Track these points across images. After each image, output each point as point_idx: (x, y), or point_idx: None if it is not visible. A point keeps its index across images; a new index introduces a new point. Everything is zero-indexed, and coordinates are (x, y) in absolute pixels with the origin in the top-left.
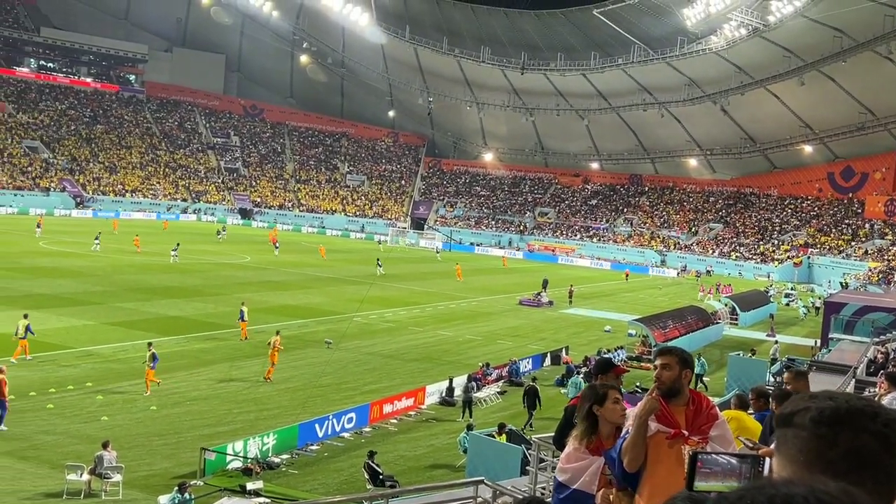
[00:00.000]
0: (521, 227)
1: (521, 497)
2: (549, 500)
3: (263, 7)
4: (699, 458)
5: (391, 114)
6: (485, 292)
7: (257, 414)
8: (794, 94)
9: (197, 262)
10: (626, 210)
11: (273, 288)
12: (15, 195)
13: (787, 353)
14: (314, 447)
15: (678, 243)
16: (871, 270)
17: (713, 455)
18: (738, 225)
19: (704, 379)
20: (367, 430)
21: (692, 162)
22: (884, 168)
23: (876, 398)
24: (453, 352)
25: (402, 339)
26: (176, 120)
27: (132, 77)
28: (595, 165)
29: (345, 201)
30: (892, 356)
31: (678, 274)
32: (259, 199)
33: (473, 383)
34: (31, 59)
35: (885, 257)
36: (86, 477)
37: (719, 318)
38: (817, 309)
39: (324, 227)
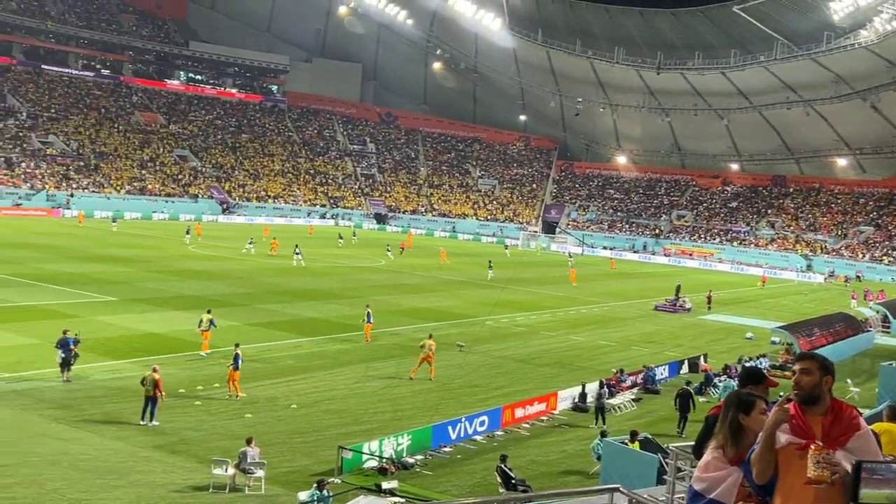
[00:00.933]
0: (657, 231)
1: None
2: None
3: (398, 16)
4: (863, 466)
5: (522, 118)
6: (618, 297)
7: (392, 414)
8: None
9: (333, 266)
10: (768, 212)
11: (406, 291)
12: (166, 202)
13: None
14: (447, 449)
15: (825, 247)
16: None
17: (882, 463)
18: (890, 228)
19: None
20: (499, 433)
21: (840, 162)
22: None
23: None
24: (586, 357)
25: (534, 344)
26: (315, 128)
27: (274, 87)
28: (735, 166)
29: (476, 205)
30: None
31: (825, 279)
32: (393, 204)
33: (606, 389)
34: (181, 72)
35: None
36: (231, 472)
37: (870, 326)
38: None
39: (455, 232)
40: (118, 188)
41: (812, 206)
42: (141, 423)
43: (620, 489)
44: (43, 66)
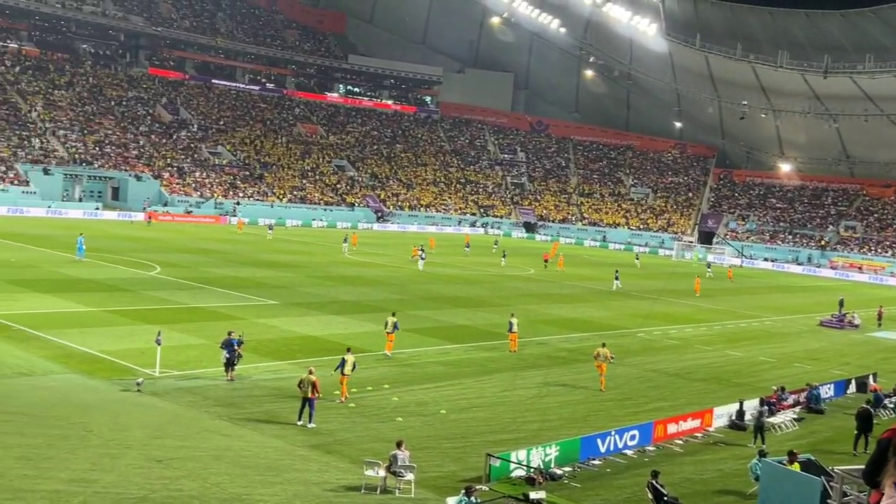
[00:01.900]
0: (822, 243)
1: None
2: None
3: (551, 24)
4: None
5: (678, 124)
6: (779, 311)
7: (540, 424)
8: None
9: (483, 274)
10: None
11: (555, 300)
12: (325, 210)
13: None
14: (596, 462)
15: None
16: None
17: None
18: None
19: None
20: (651, 448)
21: None
22: None
23: None
24: (744, 373)
25: (687, 358)
26: (466, 137)
27: (428, 98)
28: None
29: (628, 214)
30: None
31: None
32: (543, 213)
33: (766, 408)
34: (340, 85)
35: None
36: (382, 473)
37: None
38: None
39: (606, 241)
40: (281, 197)
41: None
42: (298, 423)
43: None
44: (213, 81)
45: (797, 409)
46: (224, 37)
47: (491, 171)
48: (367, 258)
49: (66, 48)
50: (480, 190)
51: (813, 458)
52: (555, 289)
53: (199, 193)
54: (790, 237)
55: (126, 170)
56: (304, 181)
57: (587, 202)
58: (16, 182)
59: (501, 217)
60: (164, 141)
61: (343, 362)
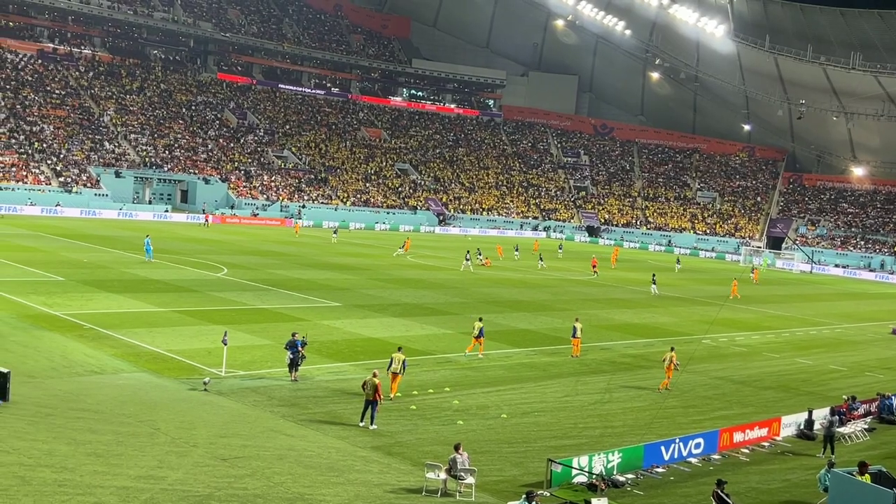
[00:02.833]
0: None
1: None
2: None
3: (616, 26)
4: None
5: (746, 127)
6: (850, 319)
7: (602, 430)
8: None
9: (545, 278)
10: None
11: (618, 305)
12: (388, 213)
13: None
14: (660, 469)
15: None
16: None
17: None
18: None
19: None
20: (716, 457)
21: None
22: None
23: None
24: (813, 382)
25: (754, 366)
26: (529, 141)
27: (491, 102)
28: None
29: (694, 219)
30: None
31: None
32: (607, 217)
33: (837, 417)
34: (403, 89)
35: None
36: (442, 476)
37: None
38: None
39: (671, 246)
40: (344, 200)
41: None
42: (360, 424)
43: None
44: (279, 85)
45: (868, 419)
46: (290, 42)
47: (554, 174)
48: (429, 261)
49: (138, 54)
50: (543, 193)
51: (885, 469)
52: (618, 293)
53: (265, 196)
54: (862, 243)
55: (195, 173)
56: (368, 184)
57: (652, 206)
58: (88, 185)
59: (564, 221)
60: (231, 145)
61: (391, 361)
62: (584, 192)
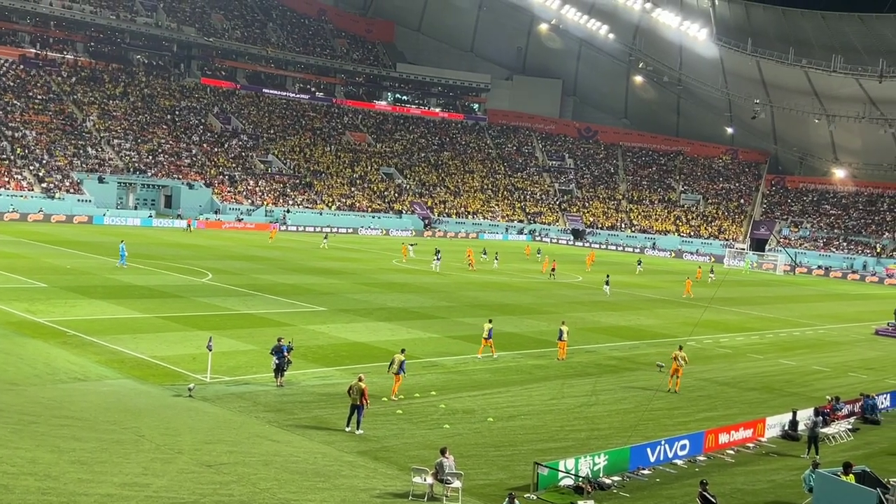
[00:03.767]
0: (878, 250)
1: None
2: None
3: (600, 30)
4: None
5: (729, 130)
6: (833, 320)
7: (588, 433)
8: None
9: (531, 282)
10: None
11: (603, 308)
12: (373, 217)
13: None
14: (646, 471)
15: None
16: None
17: None
18: None
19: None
20: (702, 458)
21: None
22: None
23: None
24: (797, 382)
25: (739, 367)
26: (514, 145)
27: (475, 105)
28: None
29: (678, 221)
30: None
31: None
32: (591, 220)
33: (821, 418)
34: (388, 93)
35: None
36: (429, 480)
37: None
38: None
39: (655, 248)
40: (329, 204)
41: None
42: (346, 429)
43: None
44: (263, 90)
45: (852, 419)
46: (274, 47)
47: (539, 177)
48: (414, 265)
49: (120, 59)
50: (528, 197)
51: (868, 469)
52: (603, 296)
53: (249, 201)
54: (844, 244)
55: (178, 178)
56: (353, 189)
57: (636, 209)
58: (71, 190)
59: (549, 224)
60: (215, 150)
61: (391, 362)
62: (568, 196)
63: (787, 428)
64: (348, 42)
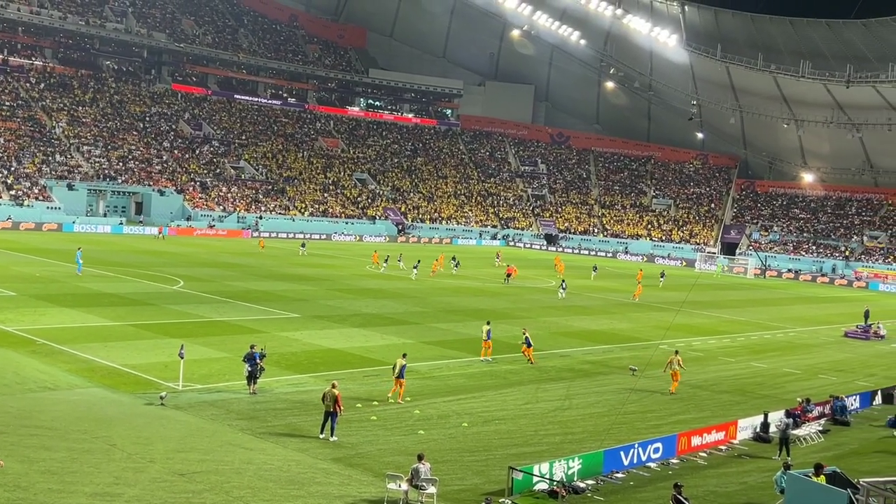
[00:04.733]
0: (847, 253)
1: None
2: None
3: (571, 36)
4: None
5: (700, 135)
6: (803, 323)
7: (562, 437)
8: None
9: (506, 287)
10: None
11: (577, 312)
12: (346, 223)
13: None
14: (619, 475)
15: None
16: None
17: None
18: None
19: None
20: (675, 461)
21: None
22: None
23: None
24: (768, 385)
25: (711, 370)
26: (487, 150)
27: (448, 111)
28: None
29: (650, 225)
30: None
31: None
32: (565, 225)
33: (791, 420)
34: (361, 99)
35: None
36: (404, 487)
37: None
38: None
39: (627, 253)
40: (302, 210)
41: None
42: (320, 436)
43: None
44: (235, 96)
45: (822, 420)
46: (246, 52)
47: (512, 183)
48: (389, 271)
49: (90, 65)
50: (501, 202)
51: (839, 470)
52: (577, 301)
53: (221, 208)
54: (814, 248)
55: (149, 185)
56: (326, 195)
57: (609, 214)
58: (40, 198)
59: (523, 229)
60: (187, 156)
61: (394, 366)
62: (541, 201)
63: (758, 430)
64: (320, 48)
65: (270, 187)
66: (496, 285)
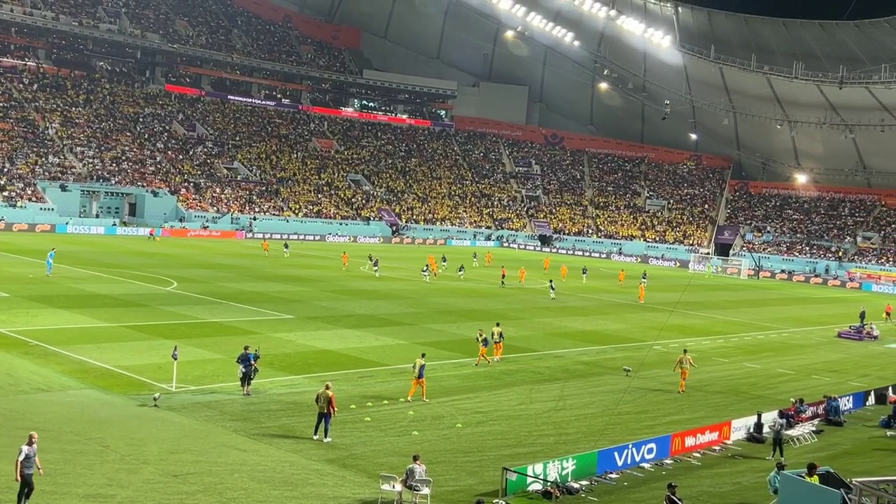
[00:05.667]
0: (840, 254)
1: None
2: None
3: (565, 37)
4: None
5: (693, 136)
6: (796, 323)
7: (556, 438)
8: None
9: (501, 289)
10: None
11: (572, 313)
12: (340, 224)
13: None
14: (613, 475)
15: None
16: None
17: None
18: None
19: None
20: (668, 462)
21: None
22: None
23: None
24: (762, 385)
25: (705, 370)
26: (481, 151)
27: (442, 112)
28: None
29: (644, 226)
30: None
31: None
32: (558, 226)
33: (785, 420)
34: (355, 100)
35: None
36: (398, 488)
37: None
38: None
39: (621, 254)
40: (296, 211)
41: None
42: (314, 437)
43: None
44: (229, 97)
45: (816, 421)
46: (239, 53)
47: (506, 184)
48: (384, 272)
49: (83, 66)
50: (495, 203)
51: (832, 470)
52: (572, 301)
53: (215, 209)
54: (807, 248)
55: (143, 186)
56: (320, 196)
57: (602, 214)
58: (34, 199)
59: (517, 230)
60: (180, 157)
61: (414, 366)
62: (535, 202)
63: (752, 430)
64: (314, 48)
65: (264, 188)
66: (490, 287)
